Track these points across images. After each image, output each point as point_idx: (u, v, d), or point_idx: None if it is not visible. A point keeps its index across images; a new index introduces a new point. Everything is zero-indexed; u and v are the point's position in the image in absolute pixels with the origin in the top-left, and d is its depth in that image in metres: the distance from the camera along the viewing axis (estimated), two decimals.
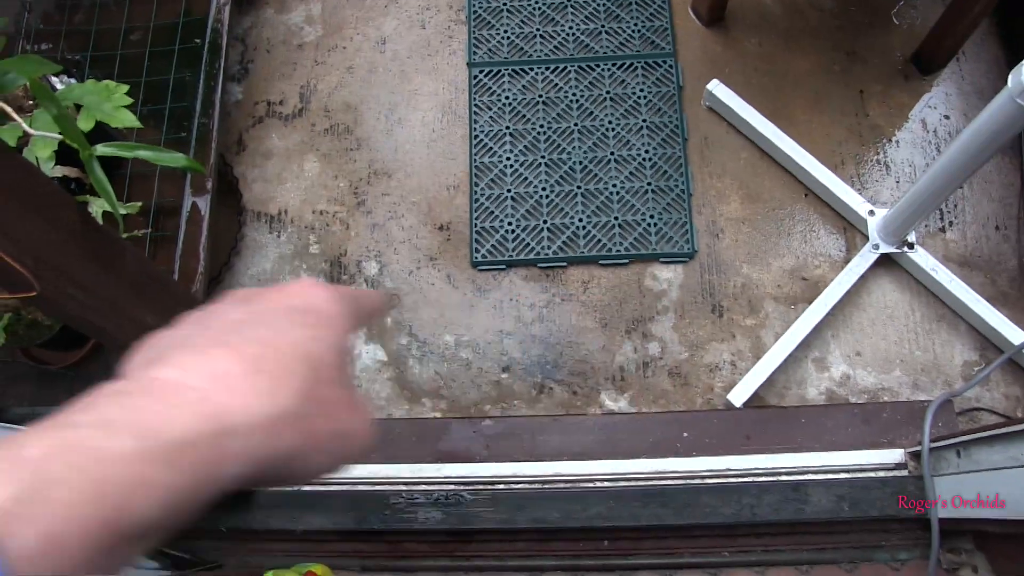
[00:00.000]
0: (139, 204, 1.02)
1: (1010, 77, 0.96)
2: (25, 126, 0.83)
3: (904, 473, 1.23)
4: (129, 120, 0.95)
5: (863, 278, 1.41)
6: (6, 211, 0.81)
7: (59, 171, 1.21)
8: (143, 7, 1.57)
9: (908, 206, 1.29)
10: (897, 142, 1.51)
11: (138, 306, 1.06)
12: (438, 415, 1.42)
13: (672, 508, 1.24)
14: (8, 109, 0.78)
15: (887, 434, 1.29)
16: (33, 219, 0.84)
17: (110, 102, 0.96)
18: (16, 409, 1.32)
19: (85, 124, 0.93)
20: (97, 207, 0.99)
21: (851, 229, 1.46)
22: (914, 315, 1.41)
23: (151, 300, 1.10)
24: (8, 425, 1.25)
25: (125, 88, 0.97)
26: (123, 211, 0.95)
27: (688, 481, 1.26)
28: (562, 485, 1.28)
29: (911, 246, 1.38)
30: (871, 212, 1.41)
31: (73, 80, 1.40)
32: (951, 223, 1.46)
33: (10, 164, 0.82)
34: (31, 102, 1.26)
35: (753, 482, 1.25)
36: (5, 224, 0.80)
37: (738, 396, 1.35)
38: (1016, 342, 1.31)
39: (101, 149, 0.82)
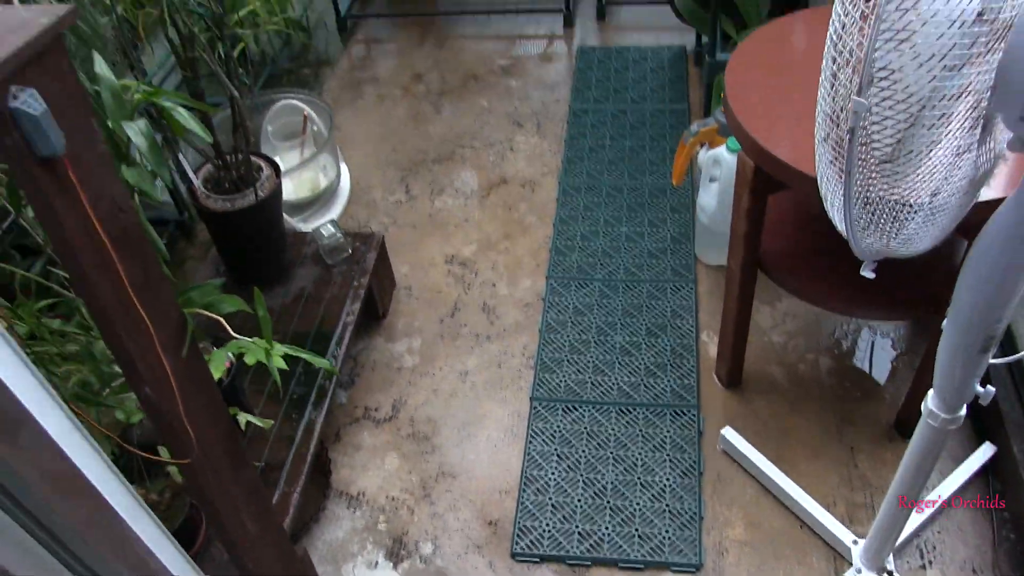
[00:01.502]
0: (272, 422, 1.37)
1: (922, 406, 1.28)
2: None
3: None
4: (279, 364, 1.33)
5: None
6: (194, 396, 1.17)
7: None
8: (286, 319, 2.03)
9: (878, 531, 1.54)
10: (880, 489, 1.77)
11: (246, 509, 1.36)
12: None
13: None
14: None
15: None
16: (203, 406, 1.19)
17: (272, 357, 1.35)
18: None
19: (250, 359, 1.32)
20: (242, 418, 1.34)
21: (839, 558, 1.68)
22: None
23: (255, 511, 1.40)
24: None
25: (280, 357, 1.37)
26: (259, 423, 1.30)
27: None
28: None
29: (890, 573, 1.59)
30: (855, 541, 1.64)
31: None
32: (931, 562, 1.67)
33: (201, 374, 1.20)
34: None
35: None
36: (189, 401, 1.16)
37: None
38: None
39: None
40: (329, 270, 2.11)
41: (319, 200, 2.53)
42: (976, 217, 1.04)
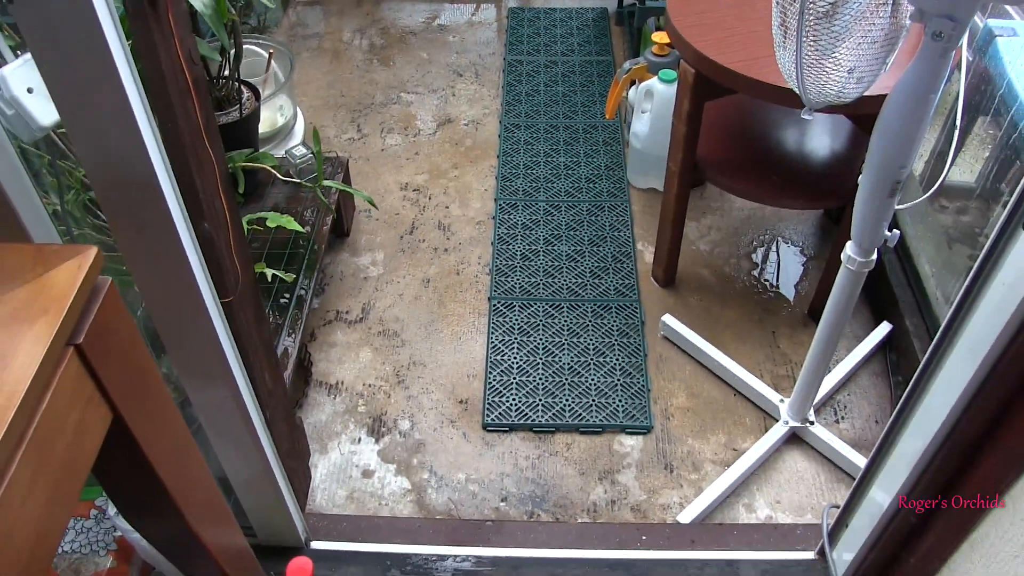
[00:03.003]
0: (293, 276, 1.54)
1: (842, 255, 1.56)
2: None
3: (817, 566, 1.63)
4: (296, 227, 1.51)
5: (779, 450, 1.89)
6: (239, 240, 1.34)
7: None
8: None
9: (803, 384, 1.82)
10: (798, 364, 2.07)
11: (265, 362, 1.53)
12: None
13: (634, 573, 1.60)
14: None
15: (799, 544, 1.69)
16: (242, 253, 1.36)
17: (285, 219, 1.53)
18: None
19: (272, 223, 1.49)
20: (268, 271, 1.51)
21: (768, 418, 1.97)
22: (819, 477, 1.87)
23: (271, 365, 1.57)
24: None
25: (293, 220, 1.55)
26: (283, 276, 1.48)
27: (647, 558, 1.63)
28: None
29: (811, 423, 1.88)
30: (781, 400, 1.93)
31: None
32: (843, 417, 1.97)
33: (240, 224, 1.37)
34: None
35: (696, 559, 1.63)
36: (236, 243, 1.33)
37: (685, 517, 1.76)
38: None
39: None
40: (299, 189, 2.27)
41: (277, 136, 2.67)
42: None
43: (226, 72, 2.07)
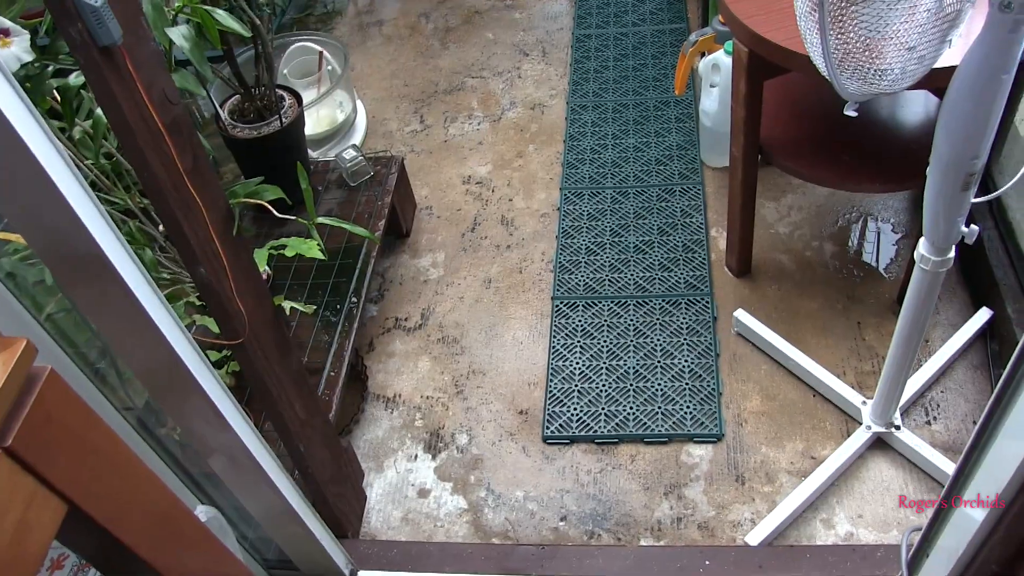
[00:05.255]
0: (313, 307, 1.49)
1: (914, 253, 1.38)
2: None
3: None
4: (316, 255, 1.44)
5: (863, 457, 1.73)
6: (243, 280, 1.28)
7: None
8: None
9: (884, 387, 1.64)
10: (886, 358, 1.87)
11: (294, 394, 1.48)
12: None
13: None
14: None
15: (879, 568, 1.53)
16: (250, 292, 1.30)
17: (306, 247, 1.46)
18: None
19: (290, 252, 1.43)
20: (286, 304, 1.46)
21: (851, 421, 1.79)
22: (907, 488, 1.69)
23: (302, 396, 1.52)
24: None
25: (316, 247, 1.48)
26: (301, 309, 1.42)
27: None
28: None
29: (897, 427, 1.70)
30: (864, 402, 1.75)
31: None
32: (935, 418, 1.78)
33: (249, 261, 1.31)
34: None
35: None
36: (240, 283, 1.27)
37: (754, 538, 1.62)
38: None
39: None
40: (353, 193, 2.22)
41: (338, 134, 2.63)
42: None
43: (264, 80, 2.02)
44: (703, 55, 2.29)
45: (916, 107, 1.86)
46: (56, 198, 0.89)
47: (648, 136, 2.48)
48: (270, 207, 1.28)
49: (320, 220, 1.33)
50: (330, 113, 2.62)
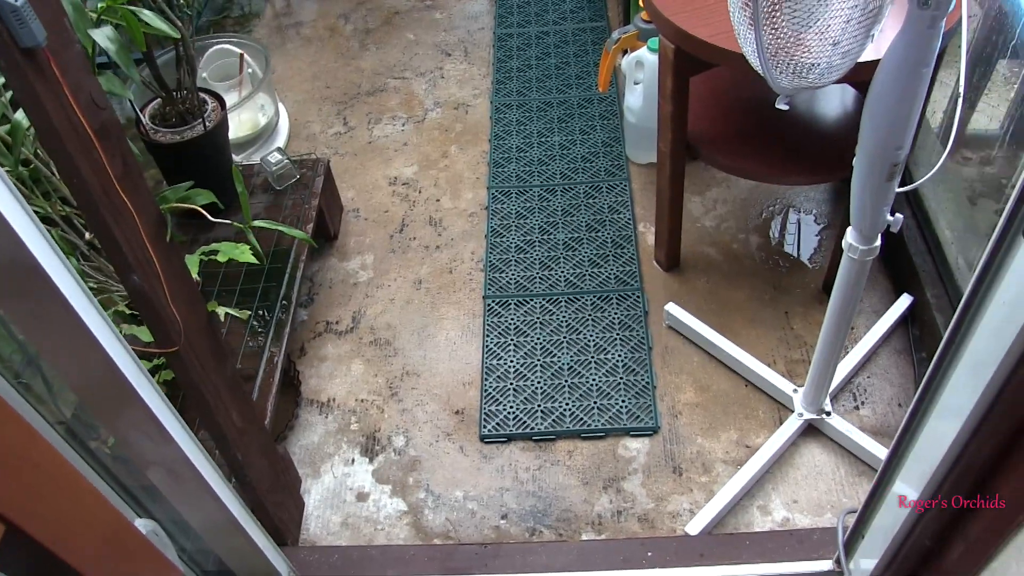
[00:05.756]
0: (248, 312, 1.45)
1: (842, 242, 1.41)
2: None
3: None
4: (249, 259, 1.41)
5: (795, 443, 1.77)
6: (177, 287, 1.24)
7: None
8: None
9: (814, 375, 1.69)
10: (815, 346, 1.92)
11: (230, 402, 1.44)
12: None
13: None
14: None
15: (816, 551, 1.57)
16: (184, 299, 1.26)
17: (238, 251, 1.43)
18: None
19: (222, 257, 1.39)
20: (220, 310, 1.42)
21: (783, 409, 1.83)
22: (839, 471, 1.74)
23: (238, 404, 1.48)
24: None
25: (249, 252, 1.45)
26: (236, 315, 1.38)
27: None
28: None
29: (828, 413, 1.75)
30: (795, 390, 1.80)
31: None
32: (863, 403, 1.83)
33: (181, 267, 1.27)
34: None
35: None
36: (174, 290, 1.23)
37: (693, 527, 1.65)
38: None
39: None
40: (279, 196, 2.17)
41: (260, 138, 2.57)
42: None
43: (186, 85, 1.97)
44: (626, 52, 2.32)
45: (834, 101, 1.91)
46: None
47: (573, 134, 2.49)
48: (204, 211, 1.24)
49: (256, 223, 1.29)
50: (252, 117, 2.56)
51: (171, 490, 1.34)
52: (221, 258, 1.37)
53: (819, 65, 1.05)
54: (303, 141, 2.64)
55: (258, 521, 1.48)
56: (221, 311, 1.43)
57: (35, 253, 0.90)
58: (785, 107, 1.15)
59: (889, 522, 1.34)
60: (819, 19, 0.98)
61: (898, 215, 1.36)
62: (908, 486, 1.26)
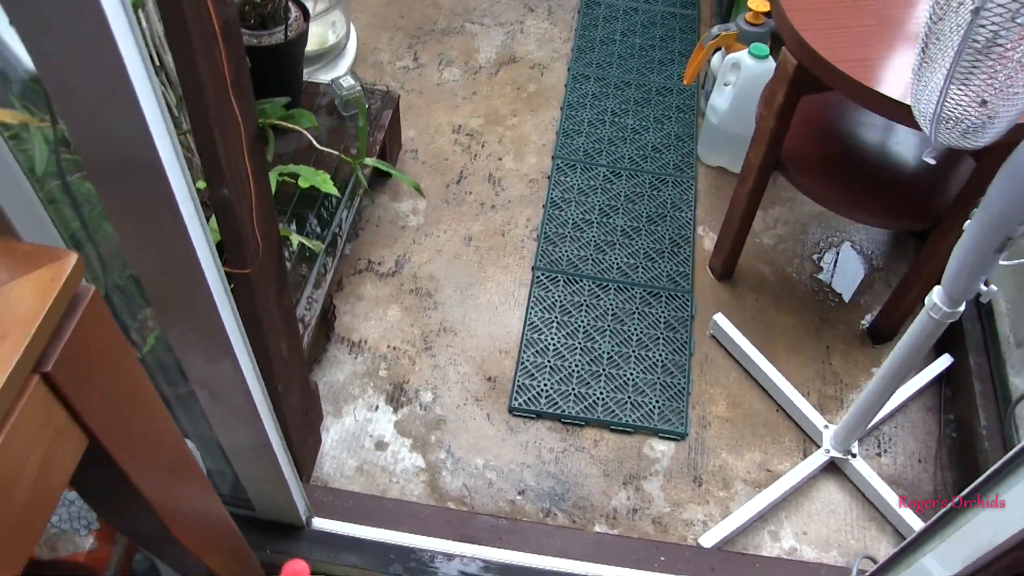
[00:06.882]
0: (322, 245, 1.42)
1: (926, 299, 1.39)
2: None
3: None
4: (331, 190, 1.37)
5: (815, 477, 1.77)
6: (263, 207, 1.20)
7: None
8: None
9: (852, 418, 1.68)
10: (850, 385, 1.92)
11: (283, 333, 1.41)
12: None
13: None
14: None
15: None
16: (267, 220, 1.23)
17: (320, 179, 1.39)
18: None
19: (304, 183, 1.35)
20: (294, 238, 1.38)
21: (809, 441, 1.83)
22: (851, 513, 1.74)
23: (290, 335, 1.45)
24: None
25: (330, 181, 1.41)
26: (310, 246, 1.34)
27: None
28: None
29: (853, 455, 1.75)
30: (826, 426, 1.79)
31: None
32: (886, 451, 1.83)
33: (268, 187, 1.23)
34: None
35: None
36: (260, 210, 1.20)
37: (707, 540, 1.65)
38: None
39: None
40: (343, 122, 2.12)
41: (326, 56, 2.50)
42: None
43: None
44: (719, 49, 2.27)
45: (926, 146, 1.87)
46: (130, 98, 0.79)
47: (647, 120, 2.45)
48: (309, 135, 1.20)
49: (370, 163, 1.25)
50: (322, 32, 2.49)
51: (213, 405, 1.31)
52: (303, 183, 1.33)
53: (993, 127, 1.02)
54: (369, 68, 2.58)
55: (289, 454, 1.46)
56: (295, 239, 1.39)
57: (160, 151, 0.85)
58: (932, 161, 1.11)
59: None
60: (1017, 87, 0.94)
61: (993, 287, 1.34)
62: (940, 565, 1.26)
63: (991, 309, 1.92)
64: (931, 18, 0.98)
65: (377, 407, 1.84)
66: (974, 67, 0.93)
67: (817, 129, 1.87)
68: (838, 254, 2.18)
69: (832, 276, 2.13)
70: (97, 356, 0.76)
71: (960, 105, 0.98)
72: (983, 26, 0.90)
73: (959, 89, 0.96)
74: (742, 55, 2.10)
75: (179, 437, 0.99)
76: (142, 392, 0.87)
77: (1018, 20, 0.94)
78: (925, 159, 1.11)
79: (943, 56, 0.95)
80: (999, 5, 0.89)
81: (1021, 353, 1.80)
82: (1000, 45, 0.97)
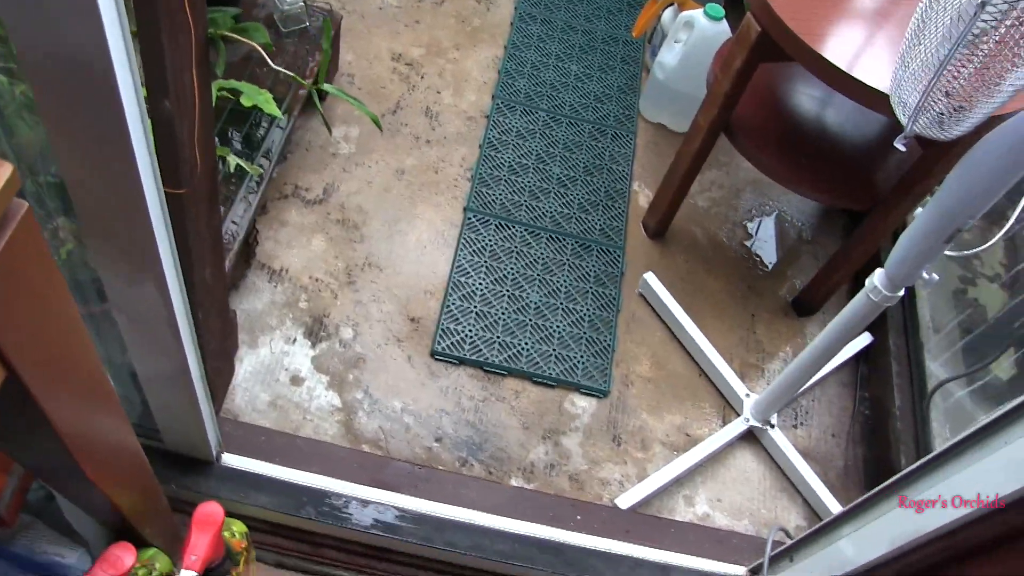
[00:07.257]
0: (261, 170, 1.33)
1: (867, 280, 1.40)
2: None
3: None
4: (274, 111, 1.28)
5: (732, 444, 1.79)
6: (204, 124, 1.11)
7: None
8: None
9: (776, 389, 1.70)
10: (771, 355, 1.95)
11: (209, 258, 1.32)
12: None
13: (563, 560, 1.49)
14: None
15: (732, 555, 1.60)
16: (205, 138, 1.14)
17: (263, 98, 1.29)
18: None
19: (247, 101, 1.26)
20: (232, 159, 1.29)
21: (729, 408, 1.85)
22: (765, 482, 1.77)
23: (215, 261, 1.36)
24: None
25: (273, 101, 1.31)
26: (248, 169, 1.25)
27: (578, 544, 1.53)
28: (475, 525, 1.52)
29: (772, 426, 1.77)
30: (747, 394, 1.81)
31: None
32: (802, 423, 1.87)
33: (210, 103, 1.14)
34: None
35: (629, 556, 1.53)
36: (202, 127, 1.10)
37: (623, 502, 1.65)
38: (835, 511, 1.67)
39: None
40: (280, 40, 1.99)
41: None
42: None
43: None
44: (672, 5, 2.23)
45: (884, 133, 1.88)
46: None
47: (592, 68, 2.39)
48: (263, 51, 1.11)
49: (327, 88, 1.16)
50: None
51: (131, 328, 1.22)
52: (245, 101, 1.24)
53: (966, 123, 1.01)
54: None
55: (206, 384, 1.38)
56: (232, 160, 1.30)
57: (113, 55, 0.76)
58: (903, 148, 1.10)
59: (819, 567, 1.38)
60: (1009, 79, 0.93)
61: (935, 275, 1.35)
62: (854, 548, 1.29)
63: (913, 293, 1.97)
64: (928, 4, 0.96)
65: (295, 340, 1.77)
66: (968, 59, 0.91)
67: (770, 97, 1.86)
68: (768, 222, 2.19)
69: (760, 244, 2.14)
70: (23, 281, 0.68)
71: (945, 97, 0.97)
72: (985, 21, 0.88)
73: (949, 80, 0.94)
74: (696, 14, 2.06)
75: (99, 365, 0.91)
76: (69, 322, 0.79)
77: (1013, 14, 0.92)
78: (897, 146, 1.10)
79: (938, 47, 0.93)
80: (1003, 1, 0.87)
81: (939, 339, 1.85)
82: (988, 38, 0.96)
